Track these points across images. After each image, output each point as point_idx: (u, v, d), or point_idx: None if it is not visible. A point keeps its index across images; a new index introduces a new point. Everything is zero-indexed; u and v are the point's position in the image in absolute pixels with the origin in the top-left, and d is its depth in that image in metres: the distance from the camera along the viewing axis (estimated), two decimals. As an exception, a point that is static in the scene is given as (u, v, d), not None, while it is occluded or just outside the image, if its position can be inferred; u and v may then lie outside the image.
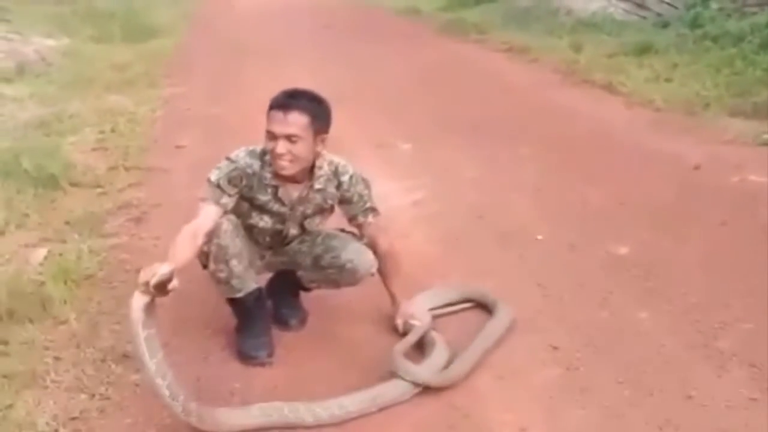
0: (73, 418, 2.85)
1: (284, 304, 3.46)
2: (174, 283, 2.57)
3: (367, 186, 3.24)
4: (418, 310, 3.39)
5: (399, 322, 3.35)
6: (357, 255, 3.19)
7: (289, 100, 2.97)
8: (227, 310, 3.30)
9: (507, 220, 4.52)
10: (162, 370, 2.62)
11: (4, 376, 3.05)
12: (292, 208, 3.16)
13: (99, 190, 5.07)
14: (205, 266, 3.11)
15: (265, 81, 8.31)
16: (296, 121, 2.95)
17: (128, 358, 3.12)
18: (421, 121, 6.77)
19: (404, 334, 3.32)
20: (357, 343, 3.34)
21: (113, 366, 3.13)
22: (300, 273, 3.35)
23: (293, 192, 3.14)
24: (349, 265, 3.18)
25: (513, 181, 5.18)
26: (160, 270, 2.54)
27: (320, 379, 3.08)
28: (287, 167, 3.00)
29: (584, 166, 5.40)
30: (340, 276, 3.22)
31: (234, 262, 3.08)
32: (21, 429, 2.78)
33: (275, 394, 2.95)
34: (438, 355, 3.12)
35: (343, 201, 3.22)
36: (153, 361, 2.59)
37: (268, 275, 3.47)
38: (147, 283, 2.54)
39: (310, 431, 2.81)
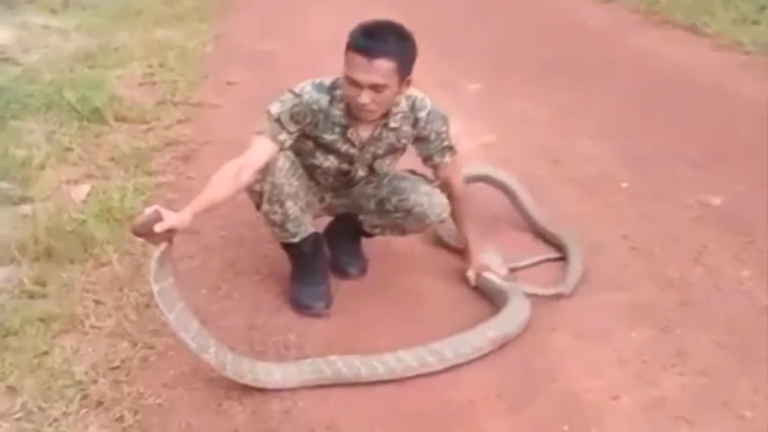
0: (114, 368, 2.59)
1: (343, 250, 3.14)
2: (168, 223, 2.30)
3: (446, 122, 2.89)
4: (493, 262, 3.04)
5: (471, 273, 3.02)
6: (427, 199, 2.84)
7: (373, 43, 2.55)
8: (281, 255, 3.00)
9: (586, 167, 4.13)
10: (183, 322, 2.38)
11: (41, 320, 2.79)
12: (361, 149, 2.82)
13: (145, 126, 4.78)
14: (258, 206, 2.80)
15: (322, 16, 7.92)
16: (382, 67, 2.55)
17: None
18: (486, 59, 6.34)
19: (476, 288, 2.99)
20: (421, 294, 3.03)
21: (158, 312, 2.83)
22: (362, 217, 3.03)
23: (364, 132, 2.79)
24: (417, 210, 2.84)
25: (589, 126, 4.76)
26: (144, 212, 2.31)
27: (381, 331, 2.78)
28: (371, 114, 2.67)
29: (668, 112, 4.94)
30: (407, 221, 2.89)
31: (289, 204, 2.76)
32: (56, 378, 2.52)
33: (332, 348, 2.66)
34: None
35: (419, 139, 2.87)
36: (171, 315, 2.36)
37: (327, 219, 3.16)
38: (135, 228, 2.32)
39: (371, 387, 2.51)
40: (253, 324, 2.83)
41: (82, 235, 3.31)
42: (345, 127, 2.76)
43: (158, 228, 2.29)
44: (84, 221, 3.44)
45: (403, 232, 2.97)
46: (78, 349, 2.68)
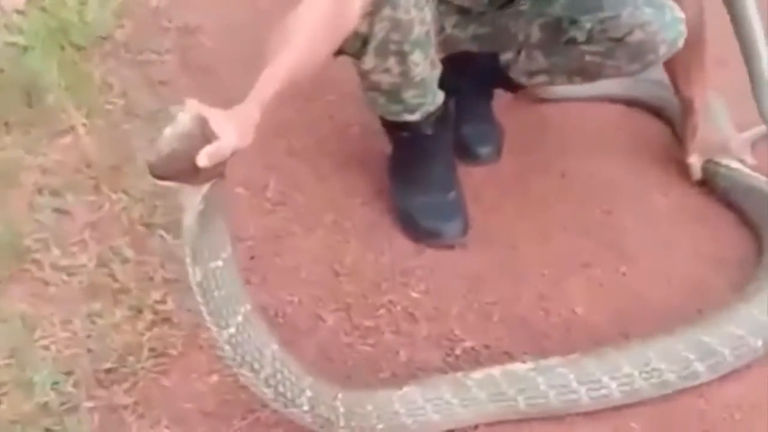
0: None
1: (468, 117, 1.84)
2: (229, 145, 1.08)
3: None
4: (736, 141, 1.80)
5: (694, 159, 1.78)
6: (653, 13, 1.54)
7: None
8: (376, 141, 1.76)
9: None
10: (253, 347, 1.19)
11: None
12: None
13: None
14: (359, 56, 1.48)
15: None
16: None
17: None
18: None
19: (704, 182, 1.79)
20: (606, 187, 1.83)
21: (200, 318, 1.63)
22: (508, 57, 1.75)
23: None
24: (637, 35, 1.54)
25: None
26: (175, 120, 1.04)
27: (565, 281, 1.61)
28: None
29: None
30: (611, 57, 1.59)
31: (417, 56, 1.47)
32: None
33: (491, 319, 1.52)
34: None
35: None
36: (227, 332, 1.18)
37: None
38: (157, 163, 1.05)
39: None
40: (338, 270, 1.61)
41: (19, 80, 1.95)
42: None
43: (207, 158, 1.03)
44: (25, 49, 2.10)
45: (588, 76, 1.69)
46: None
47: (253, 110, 1.14)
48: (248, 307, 1.17)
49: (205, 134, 1.05)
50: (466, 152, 1.85)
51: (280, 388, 1.20)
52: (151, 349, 1.42)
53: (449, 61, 1.68)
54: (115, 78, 2.11)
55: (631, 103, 2.06)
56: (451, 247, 1.67)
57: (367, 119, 1.92)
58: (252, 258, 1.61)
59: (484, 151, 1.88)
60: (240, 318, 1.16)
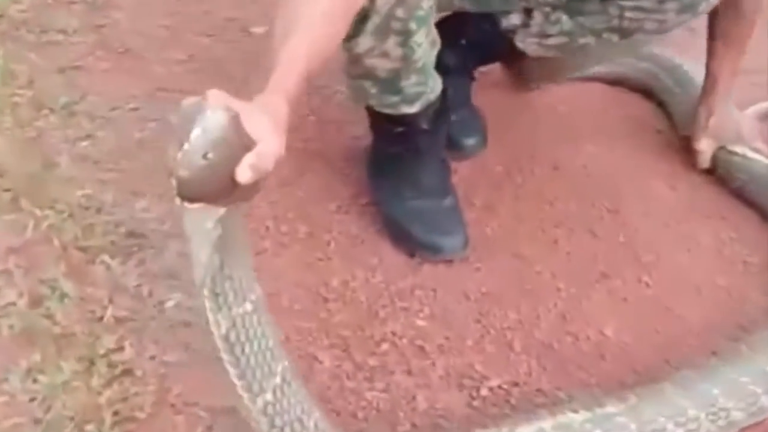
0: None
1: (452, 104, 1.61)
2: (274, 149, 0.83)
3: None
4: (747, 125, 1.64)
5: (705, 146, 1.61)
6: None
7: None
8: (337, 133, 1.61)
9: None
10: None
11: None
12: None
13: None
14: (350, 37, 1.22)
15: None
16: None
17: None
18: None
19: (712, 170, 1.63)
20: (605, 179, 1.64)
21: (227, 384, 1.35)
22: (512, 21, 1.50)
23: None
24: None
25: None
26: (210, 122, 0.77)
27: (585, 294, 1.42)
28: None
29: None
30: (662, 7, 1.36)
31: (420, 36, 1.24)
32: None
33: (508, 346, 1.32)
34: None
35: None
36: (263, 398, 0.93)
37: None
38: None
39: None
40: (325, 295, 1.37)
41: None
42: None
43: (252, 170, 0.79)
44: None
45: (623, 35, 1.43)
46: None
47: (280, 103, 0.87)
48: (286, 363, 0.91)
49: (242, 138, 0.78)
50: (449, 144, 1.61)
51: None
52: (114, 413, 1.13)
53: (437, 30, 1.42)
54: (18, 64, 1.77)
55: (615, 82, 1.87)
56: (449, 261, 1.43)
57: (323, 108, 1.68)
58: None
59: (469, 142, 1.66)
60: (278, 380, 0.90)
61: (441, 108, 1.41)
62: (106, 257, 1.34)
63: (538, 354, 1.30)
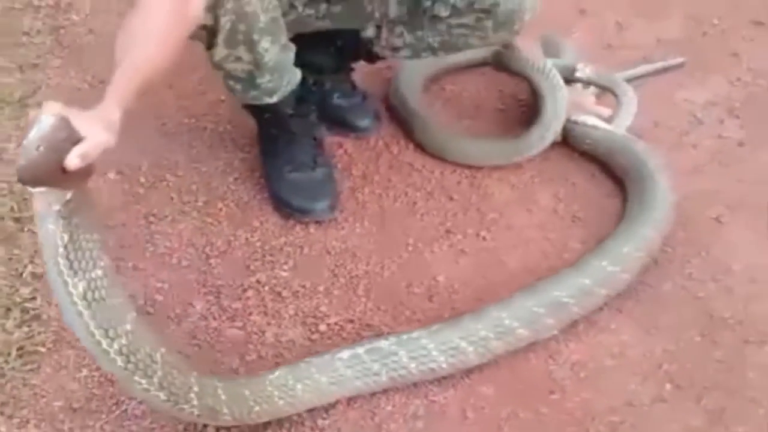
0: None
1: (337, 91, 1.89)
2: (98, 143, 1.09)
3: None
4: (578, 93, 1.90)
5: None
6: None
7: None
8: (249, 117, 1.77)
9: None
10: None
11: None
12: None
13: None
14: (209, 47, 1.50)
15: None
16: None
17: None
18: None
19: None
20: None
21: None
22: (368, 33, 1.76)
23: None
24: (505, 3, 1.61)
25: None
26: (37, 121, 1.06)
27: (433, 247, 1.68)
28: None
29: None
30: (478, 30, 1.66)
31: (266, 43, 1.50)
32: None
33: (356, 292, 1.58)
34: None
35: None
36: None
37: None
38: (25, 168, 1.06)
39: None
40: (209, 253, 1.66)
41: None
42: None
43: (79, 158, 1.06)
44: None
45: (455, 49, 1.74)
46: None
47: (112, 110, 1.15)
48: (134, 314, 1.19)
49: (70, 135, 1.06)
50: (344, 125, 1.89)
51: (172, 389, 1.22)
52: (20, 348, 1.45)
53: (308, 39, 1.70)
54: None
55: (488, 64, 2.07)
56: (320, 222, 1.71)
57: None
58: (122, 247, 1.63)
59: (363, 123, 1.92)
60: (128, 326, 1.16)
61: (302, 96, 1.69)
62: (33, 226, 1.65)
63: (376, 297, 1.57)
